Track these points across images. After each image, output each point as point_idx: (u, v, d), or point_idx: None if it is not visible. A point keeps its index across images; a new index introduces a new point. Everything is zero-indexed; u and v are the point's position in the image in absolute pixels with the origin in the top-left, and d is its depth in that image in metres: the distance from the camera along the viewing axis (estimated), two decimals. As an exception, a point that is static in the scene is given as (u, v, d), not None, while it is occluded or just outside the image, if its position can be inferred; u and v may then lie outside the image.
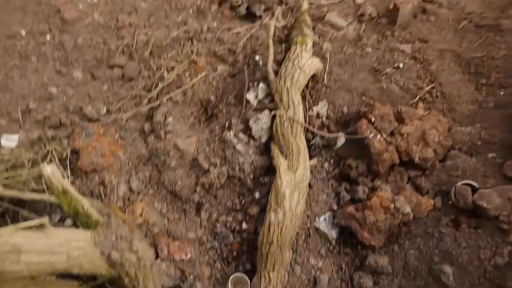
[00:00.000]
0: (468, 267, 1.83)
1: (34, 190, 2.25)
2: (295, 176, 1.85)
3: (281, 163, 1.89)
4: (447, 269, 1.84)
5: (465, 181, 1.99)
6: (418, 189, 2.12)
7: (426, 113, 2.21)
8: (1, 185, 2.20)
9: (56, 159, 2.36)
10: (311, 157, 2.17)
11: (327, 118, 2.27)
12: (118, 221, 1.41)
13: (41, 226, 1.28)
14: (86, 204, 1.58)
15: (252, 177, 1.98)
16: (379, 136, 2.09)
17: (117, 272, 1.42)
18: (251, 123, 2.05)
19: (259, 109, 2.10)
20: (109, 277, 1.44)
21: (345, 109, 2.31)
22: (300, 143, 1.92)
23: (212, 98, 2.36)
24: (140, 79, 2.64)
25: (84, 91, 2.57)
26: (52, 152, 2.39)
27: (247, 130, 2.08)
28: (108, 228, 1.40)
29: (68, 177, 2.27)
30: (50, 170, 1.58)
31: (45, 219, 1.25)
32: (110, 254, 1.37)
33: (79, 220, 1.59)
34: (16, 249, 1.13)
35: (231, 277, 1.88)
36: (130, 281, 1.46)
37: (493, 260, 1.77)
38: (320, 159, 2.22)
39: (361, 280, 1.95)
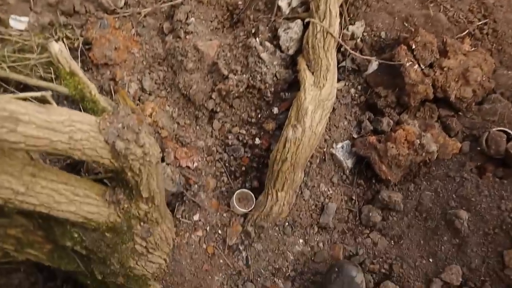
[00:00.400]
0: (485, 215, 1.73)
1: (41, 78, 2.13)
2: (320, 93, 1.70)
3: (307, 77, 1.73)
4: (463, 214, 1.74)
5: (501, 128, 1.84)
6: (447, 130, 1.97)
7: (472, 49, 1.99)
8: (7, 68, 2.09)
9: (67, 47, 2.22)
10: (338, 80, 2.00)
11: (362, 40, 2.07)
12: (126, 110, 1.29)
13: (43, 101, 1.17)
14: (93, 89, 1.47)
15: (273, 90, 1.83)
16: (416, 66, 1.91)
17: (120, 165, 1.33)
18: (280, 32, 1.86)
19: (291, 18, 1.90)
20: (111, 170, 1.35)
21: (383, 34, 2.09)
22: (330, 59, 1.74)
23: (240, 2, 2.15)
24: (163, -27, 2.41)
25: (102, -23, 2.35)
26: (63, 39, 2.24)
27: (274, 39, 1.90)
28: (115, 115, 1.28)
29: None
30: (57, 47, 1.44)
31: (47, 93, 1.14)
32: (114, 143, 1.26)
33: (85, 106, 1.48)
34: (14, 118, 1.02)
35: (236, 192, 1.81)
36: (133, 176, 1.37)
37: (514, 212, 1.68)
38: (347, 83, 2.05)
39: (370, 213, 1.87)
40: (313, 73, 1.76)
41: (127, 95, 1.69)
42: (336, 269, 1.68)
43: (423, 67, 1.93)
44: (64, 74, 1.42)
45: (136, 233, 1.56)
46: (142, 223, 1.57)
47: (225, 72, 1.86)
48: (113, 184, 1.50)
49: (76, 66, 1.44)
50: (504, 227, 1.68)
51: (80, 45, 2.16)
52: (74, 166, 1.95)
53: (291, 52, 1.89)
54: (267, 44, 1.86)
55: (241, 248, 1.76)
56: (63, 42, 2.23)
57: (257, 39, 1.87)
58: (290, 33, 1.84)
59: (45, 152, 1.16)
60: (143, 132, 1.33)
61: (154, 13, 2.32)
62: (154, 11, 2.31)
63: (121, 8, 2.32)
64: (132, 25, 2.28)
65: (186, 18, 2.16)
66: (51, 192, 1.32)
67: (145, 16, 2.30)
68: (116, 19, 2.26)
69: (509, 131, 1.82)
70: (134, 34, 2.25)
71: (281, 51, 1.89)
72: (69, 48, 2.23)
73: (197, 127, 1.94)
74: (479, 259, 1.68)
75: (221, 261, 1.75)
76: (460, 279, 1.67)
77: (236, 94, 1.85)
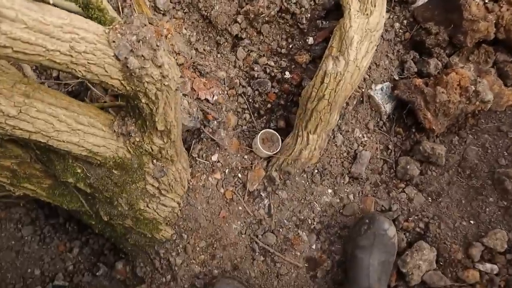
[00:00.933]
0: (542, 176, 1.53)
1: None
2: (368, 22, 1.43)
3: (353, 2, 1.45)
4: (516, 174, 1.54)
5: None
6: (503, 77, 1.72)
7: (547, -18, 1.69)
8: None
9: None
10: (384, 10, 1.72)
11: (415, -37, 1.76)
12: (142, 19, 1.04)
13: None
14: (100, -6, 1.19)
15: (309, 16, 1.56)
16: (480, -2, 1.62)
17: (133, 88, 1.09)
18: None
19: None
20: (122, 93, 1.12)
21: (440, -42, 1.78)
22: (382, -18, 1.45)
23: None
24: None
25: None
26: None
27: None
28: (128, 26, 1.03)
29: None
30: None
31: (42, -14, 0.88)
32: (127, 59, 1.02)
33: (91, 15, 1.21)
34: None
35: (260, 132, 1.59)
36: (147, 103, 1.14)
37: None
38: (391, 16, 1.77)
39: (408, 166, 1.67)
40: (360, -1, 1.47)
41: (145, 3, 1.42)
42: (367, 221, 1.51)
43: (486, 1, 1.65)
44: (64, -27, 1.14)
45: (147, 172, 1.36)
46: (155, 161, 1.36)
47: (255, -9, 1.57)
48: (122, 113, 1.27)
49: (78, -35, 1.15)
50: None
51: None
52: (76, 96, 1.71)
53: (332, -28, 1.59)
54: (307, -41, 1.56)
55: (263, 195, 1.57)
56: None
57: (295, -47, 1.56)
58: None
59: (40, 64, 0.92)
60: (162, 49, 1.08)
61: None
62: None
63: None
64: None
65: None
66: (49, 118, 1.09)
67: None
68: None
69: None
70: None
71: (322, -30, 1.58)
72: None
73: (218, 55, 1.67)
74: (531, 224, 1.50)
75: (240, 208, 1.56)
76: (505, 246, 1.49)
77: (266, 18, 1.57)
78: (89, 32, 0.98)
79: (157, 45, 1.06)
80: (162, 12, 1.76)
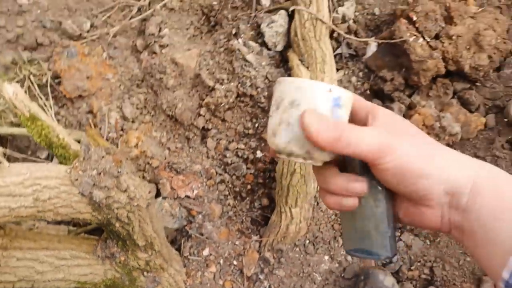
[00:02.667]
0: (529, 194, 1.52)
1: (13, 124, 1.94)
2: (320, 91, 1.48)
3: (302, 74, 1.52)
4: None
5: (528, 93, 1.63)
6: (466, 105, 1.76)
7: (479, 10, 1.77)
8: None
9: (36, 85, 2.02)
10: (336, 70, 1.79)
11: (354, 21, 1.86)
12: (99, 152, 1.09)
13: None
14: (61, 132, 1.26)
15: (266, 94, 1.62)
16: (421, 39, 1.69)
17: (104, 216, 1.13)
18: (263, 27, 1.65)
19: (273, 9, 1.69)
20: (96, 223, 1.15)
21: (376, 10, 1.88)
22: (325, 48, 1.53)
23: (214, 2, 1.94)
24: (127, -15, 2.20)
25: (62, 2, 2.14)
26: (29, 77, 2.04)
27: (258, 37, 1.69)
28: (88, 161, 1.08)
29: (51, 107, 1.94)
30: (11, 90, 1.24)
31: (-3, 152, 0.95)
32: (91, 194, 1.06)
33: (55, 153, 1.28)
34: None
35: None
36: (122, 226, 1.17)
37: None
38: (346, 72, 1.84)
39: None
40: (308, 68, 1.55)
41: (98, 134, 1.49)
42: (362, 277, 1.50)
43: (428, 40, 1.72)
44: (24, 120, 1.21)
45: (140, 285, 1.36)
46: (145, 273, 1.37)
47: (211, 83, 1.65)
48: (103, 236, 1.30)
49: (36, 108, 1.23)
50: (554, 205, 1.47)
51: (49, 80, 1.96)
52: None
53: (279, 48, 1.67)
54: (252, 43, 1.65)
55: (261, 277, 1.56)
56: (30, 80, 2.05)
57: (239, 40, 1.65)
58: (274, 27, 1.63)
59: (6, 223, 0.96)
60: (125, 173, 1.13)
61: (125, 31, 2.11)
62: (124, 28, 2.10)
63: (88, 31, 2.12)
64: (103, 48, 2.07)
65: (159, 30, 1.95)
66: (30, 263, 1.12)
67: (115, 36, 2.09)
68: (84, 44, 2.06)
69: (539, 95, 1.60)
70: (106, 57, 2.04)
71: (268, 49, 1.67)
72: (38, 86, 2.04)
73: (191, 150, 1.73)
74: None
75: (242, 295, 1.55)
76: (515, 273, 1.45)
77: (227, 106, 1.64)
78: (51, 178, 1.03)
79: (118, 172, 1.11)
80: (131, 120, 1.84)
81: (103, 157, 1.10)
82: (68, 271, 1.19)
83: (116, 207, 1.12)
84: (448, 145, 1.69)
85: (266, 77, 1.61)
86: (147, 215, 1.22)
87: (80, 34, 2.08)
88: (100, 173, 1.08)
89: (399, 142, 0.50)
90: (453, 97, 1.79)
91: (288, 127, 0.54)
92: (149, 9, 2.04)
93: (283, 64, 1.68)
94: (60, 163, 1.29)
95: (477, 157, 1.68)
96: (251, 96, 1.65)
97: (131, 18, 2.07)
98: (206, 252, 1.57)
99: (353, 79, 1.85)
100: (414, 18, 1.69)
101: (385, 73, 1.79)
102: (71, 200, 1.06)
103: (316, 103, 0.52)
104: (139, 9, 2.10)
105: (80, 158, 1.09)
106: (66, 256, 1.20)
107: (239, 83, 1.59)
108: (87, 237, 1.34)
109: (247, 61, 1.58)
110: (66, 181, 1.05)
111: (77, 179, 1.07)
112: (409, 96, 1.81)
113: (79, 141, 1.74)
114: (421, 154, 0.51)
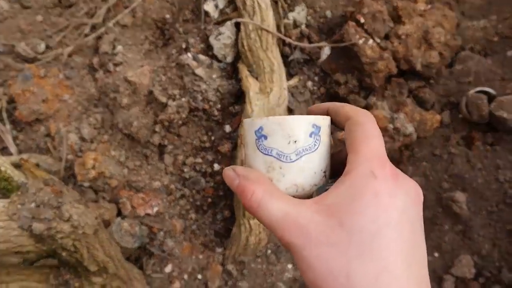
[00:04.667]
0: (484, 192, 1.54)
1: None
2: (269, 100, 1.49)
3: (251, 85, 1.52)
4: (460, 196, 1.55)
5: (479, 88, 1.64)
6: (421, 103, 1.78)
7: (428, 7, 1.78)
8: None
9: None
10: (290, 76, 1.79)
11: (307, 26, 1.86)
12: (37, 184, 1.08)
13: None
14: (4, 164, 1.25)
15: (219, 107, 1.62)
16: (371, 41, 1.70)
17: (49, 247, 1.12)
18: (211, 40, 1.64)
19: (222, 21, 1.68)
20: (42, 254, 1.14)
21: (328, 13, 1.89)
22: (272, 58, 1.53)
23: (168, 16, 1.93)
24: (81, 3, 2.18)
25: (14, 25, 2.12)
26: (-15, 102, 2.01)
27: (209, 49, 1.68)
28: (25, 195, 1.07)
29: (8, 132, 1.92)
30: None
31: None
32: (31, 227, 1.06)
33: (-1, 186, 1.26)
34: None
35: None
36: (69, 255, 1.17)
37: (516, 181, 1.48)
38: (301, 77, 1.84)
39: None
40: (257, 79, 1.55)
41: (34, 166, 1.48)
42: None
43: (378, 41, 1.73)
44: (-35, 155, 1.20)
45: (99, 310, 1.35)
46: (103, 297, 1.36)
47: (164, 100, 1.65)
48: (56, 263, 1.29)
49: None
50: (507, 200, 1.49)
51: (4, 105, 1.94)
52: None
53: (229, 59, 1.67)
54: (201, 57, 1.65)
55: (225, 291, 1.56)
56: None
57: (189, 54, 1.65)
58: (222, 39, 1.62)
59: None
60: (66, 203, 1.12)
61: (81, 50, 2.09)
62: (80, 47, 2.08)
63: (42, 53, 2.10)
64: (59, 69, 2.05)
65: (113, 48, 1.94)
66: (-24, 300, 1.11)
67: (71, 55, 2.07)
68: (39, 66, 2.04)
69: (488, 89, 1.62)
70: (62, 78, 2.03)
71: (219, 61, 1.67)
72: (-4, 111, 2.01)
73: (149, 167, 1.72)
74: (488, 243, 1.48)
75: (207, 310, 1.55)
76: (473, 270, 1.47)
77: (180, 122, 1.64)
78: (-14, 216, 1.02)
79: (59, 202, 1.10)
80: (89, 140, 1.83)
81: (41, 189, 1.09)
82: (19, 304, 1.18)
83: (60, 237, 1.11)
84: (405, 146, 1.71)
85: (218, 90, 1.61)
86: (96, 241, 1.22)
87: (35, 56, 2.06)
88: (39, 205, 1.07)
89: (316, 238, 0.39)
90: (408, 96, 1.80)
91: None
92: (103, 27, 2.02)
93: (234, 75, 1.68)
94: (3, 195, 1.28)
95: (435, 155, 1.69)
96: (204, 110, 1.64)
97: (85, 36, 2.05)
98: (168, 268, 1.57)
99: (309, 84, 1.85)
100: (362, 20, 1.69)
101: (338, 76, 1.80)
102: (11, 235, 1.05)
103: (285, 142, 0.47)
104: (93, 27, 2.09)
105: (18, 192, 1.08)
106: (16, 289, 1.18)
107: (190, 98, 1.59)
108: (40, 266, 1.33)
109: (197, 75, 1.57)
110: (3, 216, 1.04)
111: (15, 213, 1.06)
112: (365, 97, 1.82)
113: (38, 165, 1.73)
114: (332, 267, 0.39)
